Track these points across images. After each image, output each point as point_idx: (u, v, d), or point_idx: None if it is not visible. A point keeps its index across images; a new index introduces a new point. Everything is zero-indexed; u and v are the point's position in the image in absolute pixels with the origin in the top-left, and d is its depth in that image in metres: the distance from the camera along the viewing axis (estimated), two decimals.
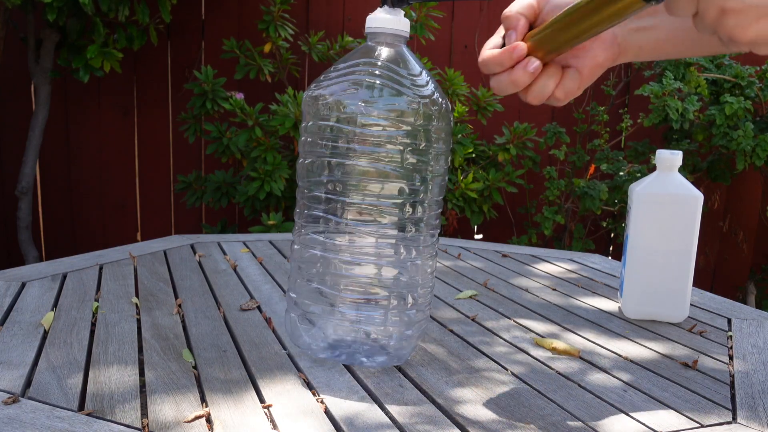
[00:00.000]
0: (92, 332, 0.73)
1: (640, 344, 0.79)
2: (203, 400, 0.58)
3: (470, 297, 0.96)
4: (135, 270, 0.99)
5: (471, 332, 0.80)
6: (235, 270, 1.03)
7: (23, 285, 0.88)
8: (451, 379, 0.66)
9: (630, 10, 0.49)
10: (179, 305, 0.84)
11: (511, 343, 0.77)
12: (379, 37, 0.64)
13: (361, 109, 0.61)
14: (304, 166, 0.66)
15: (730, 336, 0.84)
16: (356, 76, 0.63)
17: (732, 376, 0.70)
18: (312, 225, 0.66)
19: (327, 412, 0.57)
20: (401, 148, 0.62)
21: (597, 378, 0.68)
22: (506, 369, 0.69)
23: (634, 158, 2.27)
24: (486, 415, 0.58)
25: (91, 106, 2.40)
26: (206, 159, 2.47)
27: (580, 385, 0.66)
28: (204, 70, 2.11)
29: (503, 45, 0.58)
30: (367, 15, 0.64)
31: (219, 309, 0.83)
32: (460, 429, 0.55)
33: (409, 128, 0.62)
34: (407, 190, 0.63)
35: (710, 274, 2.50)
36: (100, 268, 0.98)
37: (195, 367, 0.65)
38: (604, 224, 2.42)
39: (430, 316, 0.85)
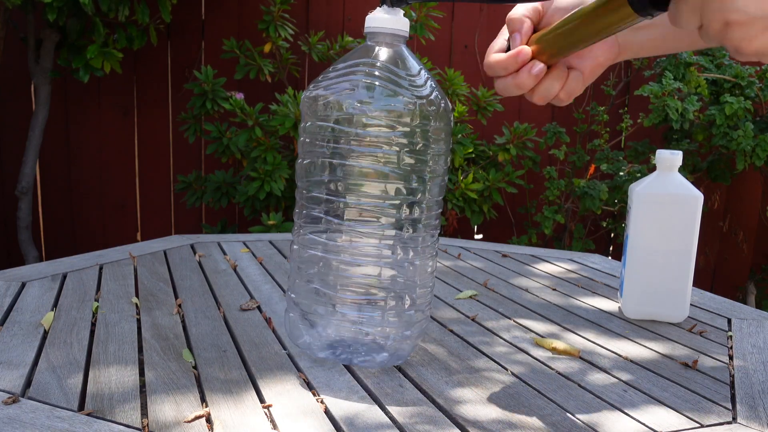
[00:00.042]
0: (92, 332, 0.73)
1: (640, 344, 0.79)
2: (203, 400, 0.58)
3: (470, 297, 0.96)
4: (135, 270, 0.99)
5: (471, 332, 0.80)
6: (235, 270, 1.03)
7: (23, 285, 0.88)
8: (451, 379, 0.66)
9: (625, 22, 0.50)
10: (179, 305, 0.84)
11: (511, 343, 0.77)
12: (378, 36, 0.64)
13: (358, 110, 0.61)
14: (302, 167, 0.66)
15: (730, 336, 0.84)
16: (354, 76, 0.63)
17: (732, 376, 0.70)
18: (311, 225, 0.66)
19: (327, 412, 0.57)
20: (398, 148, 0.62)
21: (597, 378, 0.68)
22: (506, 369, 0.69)
23: (634, 158, 2.27)
24: (486, 415, 0.58)
25: (91, 106, 2.40)
26: (206, 159, 2.47)
27: (580, 385, 0.66)
28: (204, 70, 2.11)
29: (508, 47, 0.59)
30: (367, 15, 0.64)
31: (219, 309, 0.83)
32: (460, 429, 0.55)
33: (406, 129, 0.62)
34: (404, 191, 0.63)
35: (710, 274, 2.51)
36: (100, 268, 0.98)
37: (195, 367, 0.65)
38: (604, 224, 2.42)
39: (430, 316, 0.85)
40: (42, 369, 0.62)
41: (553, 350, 0.75)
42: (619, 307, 0.94)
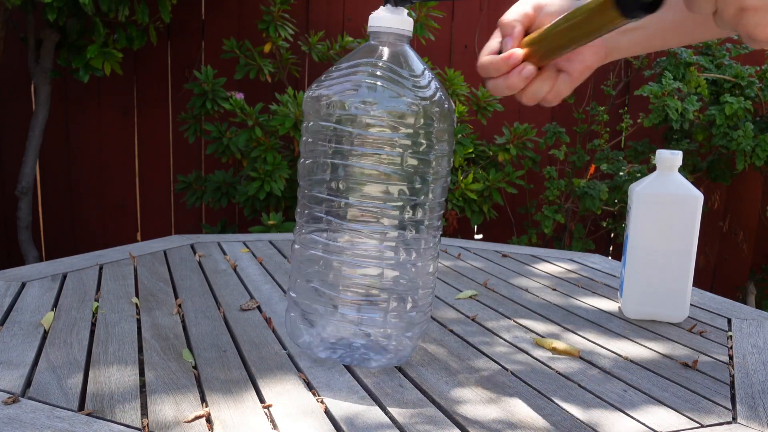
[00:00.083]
0: (92, 332, 0.73)
1: (640, 344, 0.79)
2: (203, 400, 0.58)
3: (470, 297, 0.96)
4: (135, 270, 0.99)
5: (471, 332, 0.80)
6: (235, 270, 1.03)
7: (23, 285, 0.88)
8: (451, 379, 0.66)
9: (613, 25, 0.52)
10: (179, 305, 0.84)
11: (511, 343, 0.77)
12: (381, 36, 0.64)
13: (361, 111, 0.61)
14: (304, 166, 0.66)
15: (730, 336, 0.84)
16: (357, 76, 0.62)
17: (732, 376, 0.70)
18: (312, 225, 0.66)
19: (327, 412, 0.57)
20: (401, 150, 0.62)
21: (597, 378, 0.68)
22: (506, 369, 0.69)
23: (634, 158, 2.27)
24: (486, 415, 0.58)
25: (91, 106, 2.40)
26: (206, 159, 2.47)
27: (580, 385, 0.66)
28: (204, 70, 2.11)
29: (500, 50, 0.61)
30: (367, 15, 0.64)
31: (219, 309, 0.83)
32: (460, 429, 0.55)
33: (409, 130, 0.62)
34: (407, 192, 0.63)
35: (710, 274, 2.51)
36: (100, 268, 0.98)
37: (195, 367, 0.65)
38: (604, 224, 2.42)
39: (431, 317, 0.85)
40: (42, 369, 0.62)
41: (553, 350, 0.75)
42: (619, 307, 0.94)
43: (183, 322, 0.78)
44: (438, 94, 0.63)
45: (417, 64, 0.64)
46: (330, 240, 0.64)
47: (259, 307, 0.85)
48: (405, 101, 0.61)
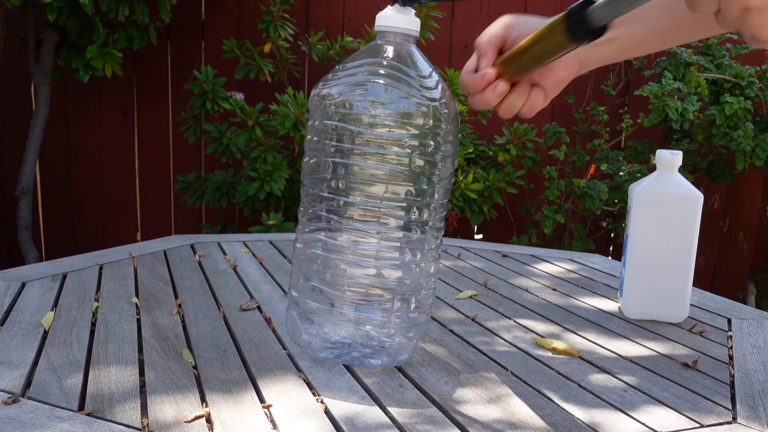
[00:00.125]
0: (92, 332, 0.73)
1: (640, 344, 0.79)
2: (203, 400, 0.58)
3: (470, 297, 0.96)
4: (135, 270, 0.99)
5: (471, 332, 0.80)
6: (235, 270, 1.03)
7: (23, 285, 0.88)
8: (451, 379, 0.66)
9: (563, 49, 0.58)
10: (179, 305, 0.84)
11: (511, 343, 0.77)
12: (388, 36, 0.63)
13: (367, 111, 0.61)
14: (309, 165, 0.66)
15: (730, 336, 0.84)
16: (364, 76, 0.62)
17: (732, 376, 0.70)
18: (315, 224, 0.66)
19: (327, 412, 0.57)
20: (408, 150, 0.61)
21: (597, 378, 0.68)
22: (506, 369, 0.69)
23: (634, 158, 2.27)
24: (486, 415, 0.58)
25: (91, 106, 2.40)
26: (206, 159, 2.47)
27: (580, 385, 0.66)
28: (204, 70, 2.11)
29: (477, 69, 0.66)
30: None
31: (219, 309, 0.83)
32: (460, 429, 0.55)
33: (416, 131, 0.61)
34: (414, 193, 0.63)
35: (710, 274, 2.51)
36: (100, 268, 0.98)
37: (195, 367, 0.65)
38: (604, 224, 2.42)
39: (431, 317, 0.85)
40: (42, 369, 0.62)
41: (553, 350, 0.75)
42: (619, 307, 0.94)
43: (183, 322, 0.78)
44: (445, 96, 0.63)
45: (424, 65, 0.64)
46: (333, 239, 0.64)
47: (259, 307, 0.85)
48: (413, 102, 0.61)
